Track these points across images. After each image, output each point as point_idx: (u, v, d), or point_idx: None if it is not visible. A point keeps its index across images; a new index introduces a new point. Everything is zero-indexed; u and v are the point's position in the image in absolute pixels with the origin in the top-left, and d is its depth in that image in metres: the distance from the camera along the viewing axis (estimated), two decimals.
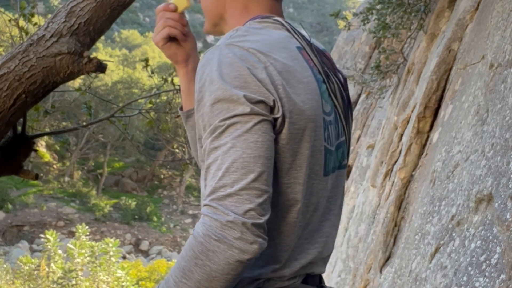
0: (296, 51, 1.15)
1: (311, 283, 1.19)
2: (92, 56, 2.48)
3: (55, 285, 11.18)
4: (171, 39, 1.31)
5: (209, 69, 1.04)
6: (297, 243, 1.13)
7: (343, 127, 1.24)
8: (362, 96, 7.93)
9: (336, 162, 1.21)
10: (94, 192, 32.01)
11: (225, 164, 0.97)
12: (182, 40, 1.33)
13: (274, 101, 1.02)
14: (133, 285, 11.94)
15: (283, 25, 1.18)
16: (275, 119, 1.03)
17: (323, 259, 1.21)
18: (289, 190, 1.08)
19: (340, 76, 1.28)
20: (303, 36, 1.22)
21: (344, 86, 1.25)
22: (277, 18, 1.20)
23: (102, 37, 2.97)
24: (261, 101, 1.01)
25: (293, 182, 1.09)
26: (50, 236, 12.40)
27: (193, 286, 0.95)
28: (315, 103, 1.11)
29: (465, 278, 1.86)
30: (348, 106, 1.28)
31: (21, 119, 2.76)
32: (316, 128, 1.10)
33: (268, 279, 1.11)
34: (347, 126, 1.26)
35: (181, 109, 1.42)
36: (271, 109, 1.02)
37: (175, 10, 1.30)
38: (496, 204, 1.81)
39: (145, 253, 27.77)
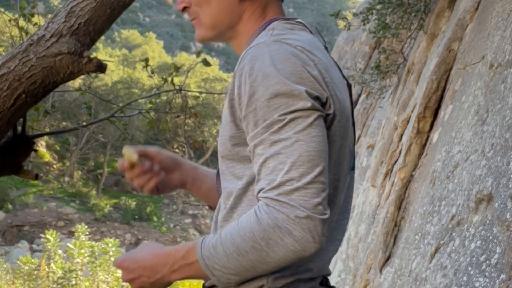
0: (326, 51, 1.18)
1: (327, 284, 1.18)
2: (92, 56, 2.48)
3: (55, 285, 11.17)
4: (156, 189, 1.31)
5: (260, 64, 1.02)
6: None
7: (353, 129, 1.26)
8: (362, 96, 7.92)
9: (351, 163, 1.23)
10: (94, 192, 32.00)
11: (290, 158, 0.96)
12: (161, 184, 1.32)
13: (327, 98, 1.04)
14: None
15: (305, 26, 1.19)
16: (327, 115, 1.05)
17: (330, 259, 1.22)
18: (331, 187, 1.07)
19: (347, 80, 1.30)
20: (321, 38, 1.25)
21: (350, 89, 1.27)
22: (299, 20, 1.21)
23: (102, 37, 2.97)
24: (317, 97, 1.02)
25: (335, 179, 1.10)
26: (50, 236, 12.39)
27: (244, 263, 0.96)
28: (348, 102, 1.16)
29: (465, 278, 1.86)
30: (352, 109, 1.30)
31: (21, 119, 2.76)
32: (350, 126, 1.14)
33: (295, 280, 1.08)
34: (354, 128, 1.28)
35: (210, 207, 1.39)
36: (323, 106, 1.04)
37: (132, 165, 1.26)
38: (496, 204, 1.81)
39: None
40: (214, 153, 36.98)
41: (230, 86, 1.08)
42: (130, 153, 1.25)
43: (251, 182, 1.07)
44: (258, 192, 0.99)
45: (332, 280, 5.40)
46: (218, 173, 1.23)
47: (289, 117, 0.98)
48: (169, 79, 3.77)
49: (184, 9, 1.22)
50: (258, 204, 0.98)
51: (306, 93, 0.99)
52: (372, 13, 5.63)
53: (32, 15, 3.35)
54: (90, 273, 11.49)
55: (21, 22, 3.38)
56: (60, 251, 12.36)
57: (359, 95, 8.15)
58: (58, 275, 11.32)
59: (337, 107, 1.07)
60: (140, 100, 5.52)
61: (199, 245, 1.02)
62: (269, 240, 0.94)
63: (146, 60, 3.76)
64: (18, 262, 12.16)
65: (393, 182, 3.99)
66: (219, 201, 1.17)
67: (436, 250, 2.35)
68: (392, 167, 4.38)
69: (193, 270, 1.03)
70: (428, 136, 3.77)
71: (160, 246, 1.12)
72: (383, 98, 6.76)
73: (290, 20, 1.18)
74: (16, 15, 3.38)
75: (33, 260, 12.00)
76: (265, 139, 0.99)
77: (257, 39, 1.11)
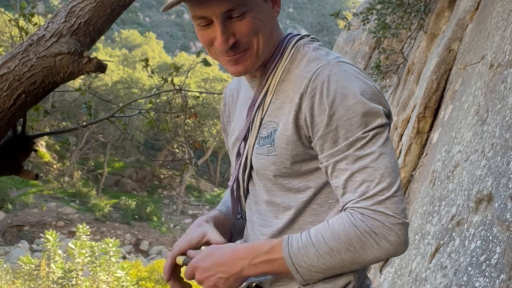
0: None
1: None
2: (92, 56, 2.48)
3: (55, 285, 11.17)
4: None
5: (334, 85, 1.08)
6: None
7: None
8: None
9: None
10: (94, 192, 31.99)
11: (378, 171, 1.06)
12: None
13: (389, 111, 1.14)
14: (133, 285, 11.93)
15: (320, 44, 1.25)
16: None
17: None
18: None
19: None
20: None
21: None
22: (314, 36, 1.26)
23: (102, 37, 2.97)
24: (387, 113, 1.12)
25: None
26: (50, 236, 12.38)
27: (334, 263, 1.06)
28: None
29: (465, 278, 1.85)
30: None
31: (21, 119, 2.76)
32: None
33: (365, 276, 1.21)
34: None
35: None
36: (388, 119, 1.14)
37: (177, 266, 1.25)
38: (496, 204, 1.81)
39: (145, 253, 27.76)
40: (214, 153, 36.95)
41: (293, 107, 1.11)
42: (180, 259, 1.25)
43: (316, 194, 1.16)
44: (346, 203, 1.08)
45: None
46: (237, 197, 1.30)
47: (371, 133, 1.07)
48: (169, 79, 3.77)
49: (234, 44, 1.13)
50: (350, 212, 1.07)
51: (382, 111, 1.09)
52: (372, 13, 5.63)
53: (32, 15, 3.35)
54: (90, 273, 11.49)
55: (21, 22, 3.38)
56: (60, 251, 12.36)
57: None
58: (58, 275, 11.32)
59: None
60: (140, 100, 5.52)
61: (286, 243, 1.09)
62: (364, 245, 1.04)
63: (146, 60, 3.76)
64: (18, 262, 12.16)
65: None
66: (257, 217, 1.24)
67: (436, 250, 2.35)
68: None
69: (275, 266, 1.10)
70: (428, 136, 3.77)
71: (235, 243, 1.20)
72: None
73: (313, 38, 1.23)
74: (16, 15, 3.38)
75: (33, 260, 12.00)
76: (349, 155, 1.07)
77: (306, 59, 1.15)
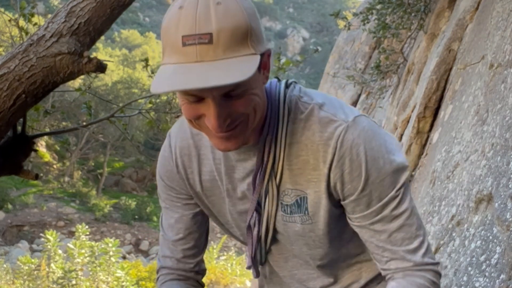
0: None
1: None
2: (92, 56, 2.48)
3: (55, 285, 11.16)
4: None
5: (363, 149, 1.07)
6: None
7: None
8: (362, 96, 7.93)
9: None
10: (94, 192, 31.99)
11: (414, 226, 1.10)
12: None
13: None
14: (133, 285, 11.92)
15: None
16: None
17: None
18: None
19: None
20: None
21: None
22: (288, 80, 1.22)
23: (102, 37, 2.97)
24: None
25: None
26: (50, 236, 12.38)
27: None
28: None
29: (465, 278, 1.85)
30: None
31: (21, 119, 2.76)
32: None
33: None
34: None
35: None
36: None
37: None
38: (496, 204, 1.81)
39: (145, 253, 27.75)
40: None
41: (322, 176, 1.09)
42: None
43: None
44: (389, 260, 1.12)
45: None
46: (254, 259, 1.27)
47: (401, 190, 1.09)
48: None
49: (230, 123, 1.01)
50: (406, 274, 1.11)
51: (406, 162, 1.12)
52: (372, 13, 5.63)
53: (32, 15, 3.35)
54: (90, 273, 11.48)
55: (21, 22, 3.38)
56: (60, 251, 12.35)
57: (359, 95, 8.15)
58: (58, 275, 11.31)
59: None
60: (140, 100, 5.52)
61: None
62: None
63: (146, 60, 3.76)
64: (18, 262, 12.15)
65: None
66: (295, 271, 1.28)
67: (436, 250, 2.35)
68: None
69: None
70: (428, 136, 3.77)
71: None
72: (383, 98, 6.76)
73: (289, 83, 1.16)
74: (16, 15, 3.38)
75: (33, 260, 11.99)
76: (386, 216, 1.09)
77: (316, 121, 1.08)
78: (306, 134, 1.09)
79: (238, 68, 0.92)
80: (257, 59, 0.95)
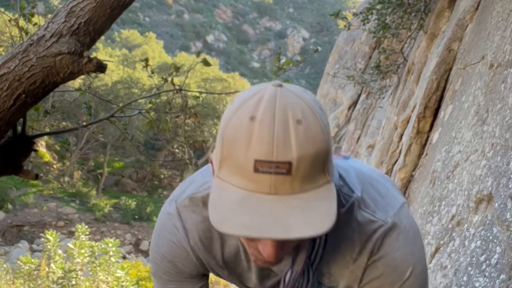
0: None
1: None
2: (92, 56, 2.48)
3: (55, 285, 11.16)
4: None
5: (399, 257, 1.05)
6: None
7: None
8: (362, 96, 7.93)
9: None
10: (94, 192, 31.99)
11: None
12: None
13: None
14: (133, 285, 11.92)
15: None
16: None
17: None
18: None
19: None
20: None
21: None
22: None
23: (102, 37, 2.97)
24: None
25: None
26: (50, 236, 12.38)
27: None
28: None
29: (465, 278, 1.85)
30: None
31: (21, 119, 2.76)
32: None
33: None
34: None
35: None
36: None
37: None
38: (496, 204, 1.81)
39: (145, 253, 27.74)
40: None
41: (356, 274, 1.08)
42: None
43: None
44: None
45: None
46: None
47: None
48: (169, 79, 3.77)
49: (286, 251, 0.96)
50: None
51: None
52: (372, 13, 5.63)
53: (32, 15, 3.35)
54: (90, 273, 11.49)
55: (21, 22, 3.38)
56: (60, 251, 12.36)
57: (359, 95, 8.15)
58: (58, 275, 11.31)
59: None
60: (140, 100, 5.52)
61: None
62: None
63: (146, 60, 3.76)
64: (18, 262, 12.15)
65: (393, 182, 3.99)
66: None
67: (436, 250, 2.35)
68: (392, 167, 4.38)
69: None
70: (428, 136, 3.77)
71: None
72: (383, 98, 6.76)
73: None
74: (16, 15, 3.38)
75: (33, 260, 11.99)
76: None
77: (354, 218, 1.03)
78: (346, 231, 1.03)
79: (318, 212, 0.82)
80: (333, 193, 0.85)
